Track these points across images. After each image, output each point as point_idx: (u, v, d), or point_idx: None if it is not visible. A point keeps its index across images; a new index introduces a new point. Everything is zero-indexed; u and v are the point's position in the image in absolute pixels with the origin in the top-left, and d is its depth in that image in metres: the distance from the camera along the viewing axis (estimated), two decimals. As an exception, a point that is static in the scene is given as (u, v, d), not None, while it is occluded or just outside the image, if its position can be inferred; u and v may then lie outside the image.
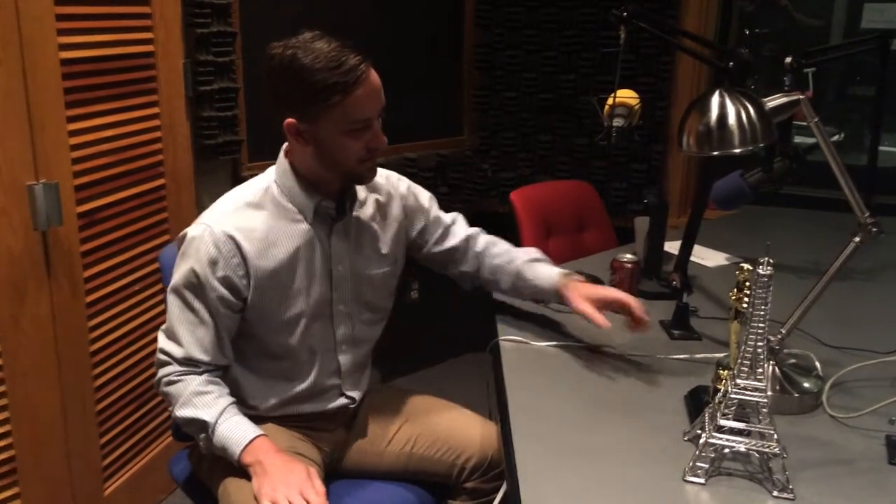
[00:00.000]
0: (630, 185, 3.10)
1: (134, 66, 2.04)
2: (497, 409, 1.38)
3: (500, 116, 3.22)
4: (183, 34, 2.19)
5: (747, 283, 1.21)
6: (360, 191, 1.52)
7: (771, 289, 1.10)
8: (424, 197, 1.64)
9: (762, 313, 1.11)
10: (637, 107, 1.99)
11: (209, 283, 1.37)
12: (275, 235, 1.41)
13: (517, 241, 2.38)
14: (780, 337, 1.38)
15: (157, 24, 2.09)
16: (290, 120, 1.35)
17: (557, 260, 1.78)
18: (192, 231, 1.40)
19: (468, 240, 1.67)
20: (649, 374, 1.49)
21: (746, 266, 1.20)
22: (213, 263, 1.36)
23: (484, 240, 1.70)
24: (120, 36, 1.98)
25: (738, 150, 1.22)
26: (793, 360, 1.45)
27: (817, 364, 1.46)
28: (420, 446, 1.57)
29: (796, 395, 1.36)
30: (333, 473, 1.58)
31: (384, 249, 1.55)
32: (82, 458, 1.96)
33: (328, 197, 1.44)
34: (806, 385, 1.38)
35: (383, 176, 1.57)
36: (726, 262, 2.18)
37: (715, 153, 1.24)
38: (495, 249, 1.69)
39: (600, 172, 3.12)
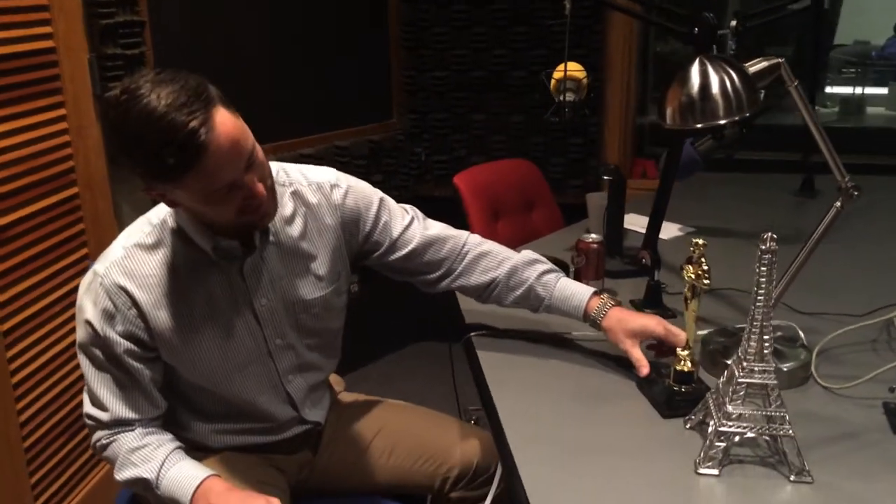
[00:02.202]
0: (569, 161, 3.05)
1: (33, 64, 1.83)
2: (486, 412, 1.28)
3: (430, 97, 3.11)
4: (85, 26, 1.98)
5: (703, 259, 1.16)
6: (286, 205, 1.30)
7: (776, 264, 1.03)
8: (369, 201, 1.38)
9: (766, 292, 1.04)
10: (585, 80, 1.91)
11: (110, 338, 1.21)
12: (174, 279, 1.23)
13: (464, 228, 2.28)
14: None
15: (56, 15, 1.88)
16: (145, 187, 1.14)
17: (508, 244, 1.64)
18: (84, 281, 1.24)
19: (425, 247, 1.43)
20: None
21: (700, 241, 1.15)
22: (110, 318, 1.21)
23: (453, 245, 1.44)
24: (12, 32, 1.76)
25: (723, 121, 1.15)
26: (778, 333, 1.40)
27: (801, 334, 1.42)
28: (397, 458, 1.46)
29: (785, 368, 1.31)
30: (301, 493, 1.46)
31: (320, 269, 1.34)
32: (13, 501, 1.77)
33: (228, 236, 1.23)
34: (794, 357, 1.34)
35: (314, 183, 1.34)
36: (680, 234, 2.14)
37: (699, 126, 1.17)
38: (487, 261, 1.44)
39: (538, 149, 3.06)
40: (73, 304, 1.92)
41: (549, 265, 1.48)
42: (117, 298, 1.20)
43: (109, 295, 1.20)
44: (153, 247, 1.23)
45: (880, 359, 1.37)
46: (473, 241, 1.47)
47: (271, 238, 1.28)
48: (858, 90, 3.67)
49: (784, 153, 2.93)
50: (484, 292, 1.47)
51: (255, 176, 1.14)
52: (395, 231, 1.41)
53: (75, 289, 1.92)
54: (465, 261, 1.45)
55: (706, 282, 1.16)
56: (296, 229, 1.31)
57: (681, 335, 1.29)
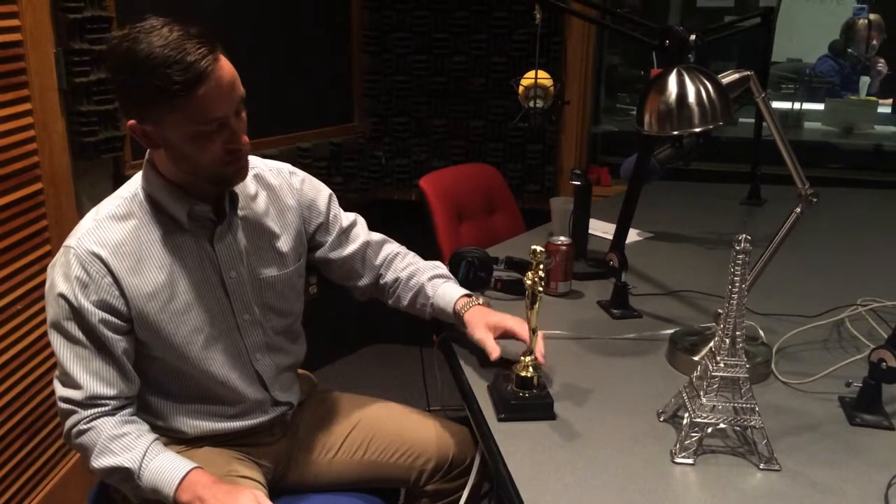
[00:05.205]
0: (526, 167, 3.12)
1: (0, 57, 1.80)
2: (466, 405, 1.32)
3: (391, 102, 3.14)
4: (52, 20, 1.96)
5: (541, 266, 1.18)
6: (248, 185, 1.37)
7: (748, 265, 1.10)
8: (321, 193, 1.48)
9: (739, 290, 1.11)
10: (552, 88, 1.98)
11: (85, 308, 1.22)
12: (147, 247, 1.26)
13: (430, 230, 2.33)
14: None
15: (24, 8, 1.85)
16: (132, 122, 1.19)
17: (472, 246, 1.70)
18: (55, 259, 1.25)
19: (367, 247, 1.52)
20: (603, 356, 1.49)
21: (538, 248, 1.18)
22: (84, 286, 1.22)
23: (388, 250, 1.55)
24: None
25: (698, 129, 1.23)
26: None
27: (761, 332, 1.51)
28: (373, 451, 1.49)
29: (748, 364, 1.38)
30: (278, 489, 1.48)
31: (284, 248, 1.41)
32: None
33: (202, 200, 1.29)
34: (756, 354, 1.42)
35: (274, 169, 1.44)
36: (639, 238, 2.23)
37: (675, 133, 1.24)
38: (399, 263, 1.54)
39: (496, 155, 3.12)
40: (34, 301, 1.92)
41: (445, 272, 1.55)
42: (91, 266, 1.22)
43: (83, 263, 1.22)
44: (124, 217, 1.27)
45: (833, 356, 1.46)
46: (401, 248, 1.58)
47: (239, 210, 1.34)
48: (797, 105, 3.84)
49: (730, 164, 3.07)
50: (388, 290, 1.54)
51: (241, 124, 1.22)
52: (344, 224, 1.51)
53: (37, 287, 1.92)
54: (386, 261, 1.54)
55: (540, 289, 1.19)
56: (260, 206, 1.39)
57: (526, 334, 1.29)
